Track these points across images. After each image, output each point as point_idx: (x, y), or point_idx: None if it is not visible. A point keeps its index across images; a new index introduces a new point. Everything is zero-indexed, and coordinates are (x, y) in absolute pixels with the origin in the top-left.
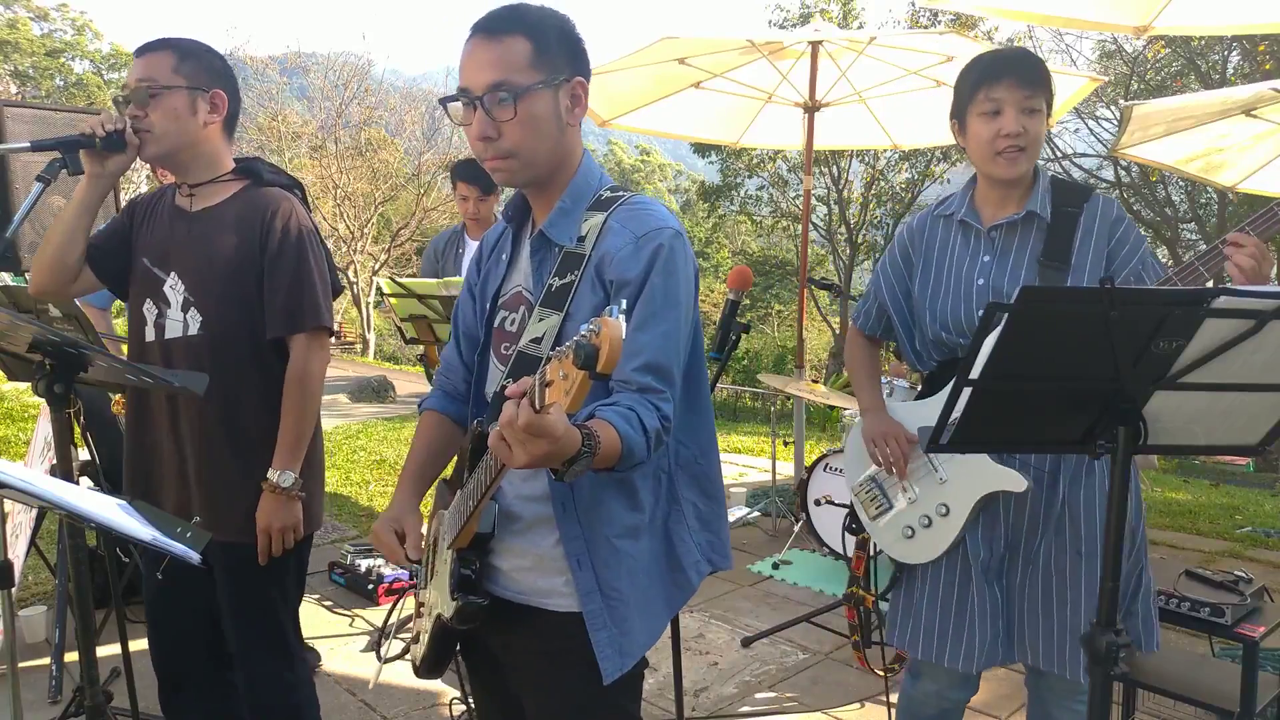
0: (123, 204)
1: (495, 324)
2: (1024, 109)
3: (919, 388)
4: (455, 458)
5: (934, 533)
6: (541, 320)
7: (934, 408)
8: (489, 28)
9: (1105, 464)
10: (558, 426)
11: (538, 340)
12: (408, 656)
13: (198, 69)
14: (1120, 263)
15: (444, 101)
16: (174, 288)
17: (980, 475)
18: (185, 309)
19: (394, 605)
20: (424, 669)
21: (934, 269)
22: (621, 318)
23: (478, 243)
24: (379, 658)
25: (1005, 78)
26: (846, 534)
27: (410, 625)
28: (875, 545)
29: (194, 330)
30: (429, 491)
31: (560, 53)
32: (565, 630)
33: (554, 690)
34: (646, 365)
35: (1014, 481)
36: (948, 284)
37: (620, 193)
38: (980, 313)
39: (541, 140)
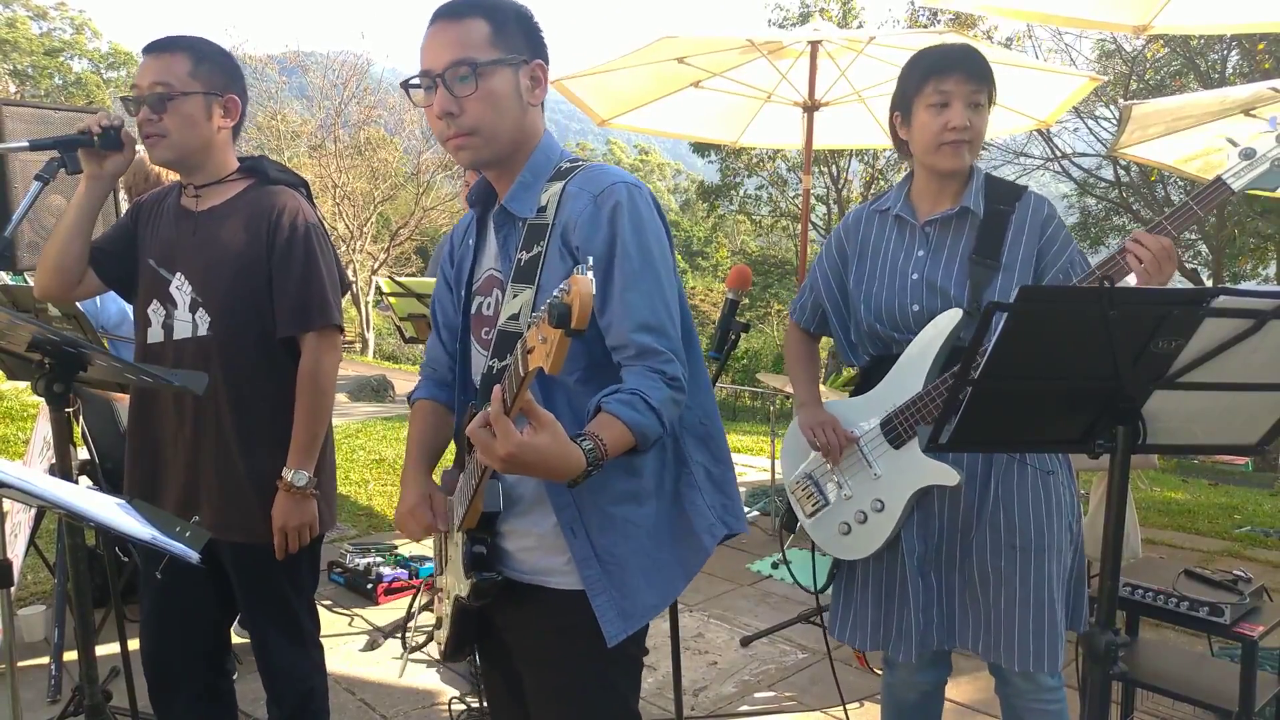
0: (122, 205)
1: (472, 310)
2: (970, 103)
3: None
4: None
5: (869, 528)
6: (516, 296)
7: (867, 407)
8: (448, 12)
9: (1035, 460)
10: (543, 445)
11: (515, 316)
12: (426, 652)
13: (213, 73)
14: (1049, 261)
15: (405, 85)
16: (180, 288)
17: (914, 470)
18: (193, 310)
19: (414, 598)
20: (448, 652)
21: (869, 262)
22: (590, 274)
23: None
24: (404, 646)
25: (954, 71)
26: (783, 530)
27: (412, 625)
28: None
29: (203, 331)
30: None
31: (518, 35)
32: (567, 607)
33: (553, 666)
34: (642, 325)
35: (947, 475)
36: (882, 276)
37: (579, 162)
38: (915, 306)
39: (502, 117)
